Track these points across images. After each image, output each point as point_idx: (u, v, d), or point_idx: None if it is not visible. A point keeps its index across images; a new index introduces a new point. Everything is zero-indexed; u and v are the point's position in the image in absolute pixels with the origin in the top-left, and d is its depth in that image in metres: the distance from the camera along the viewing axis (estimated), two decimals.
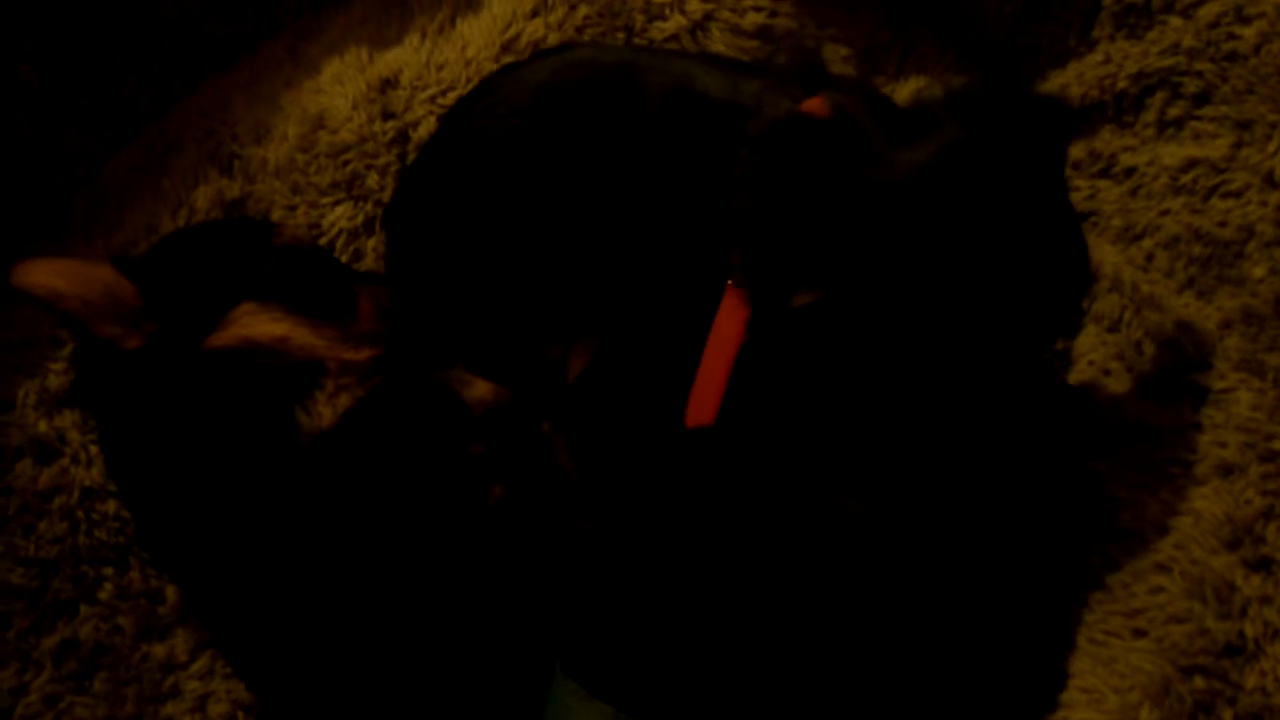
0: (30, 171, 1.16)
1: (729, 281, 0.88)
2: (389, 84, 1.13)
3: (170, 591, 1.00)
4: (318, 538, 0.85)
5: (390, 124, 1.11)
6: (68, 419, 1.04)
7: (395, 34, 1.17)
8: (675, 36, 1.19)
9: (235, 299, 0.91)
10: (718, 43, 1.19)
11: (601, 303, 0.92)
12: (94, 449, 1.02)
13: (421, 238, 0.99)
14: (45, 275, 0.87)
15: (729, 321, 0.87)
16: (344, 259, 1.08)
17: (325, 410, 0.90)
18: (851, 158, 0.83)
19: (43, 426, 1.03)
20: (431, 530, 0.85)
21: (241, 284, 0.92)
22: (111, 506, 1.01)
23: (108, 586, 1.00)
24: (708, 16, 1.19)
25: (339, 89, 1.13)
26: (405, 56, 1.15)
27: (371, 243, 1.11)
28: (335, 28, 1.19)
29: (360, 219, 1.10)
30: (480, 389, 0.91)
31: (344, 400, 0.91)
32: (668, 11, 1.19)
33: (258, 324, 0.90)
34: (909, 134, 0.86)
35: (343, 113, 1.11)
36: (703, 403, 0.87)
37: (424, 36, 1.16)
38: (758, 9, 1.21)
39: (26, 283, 0.86)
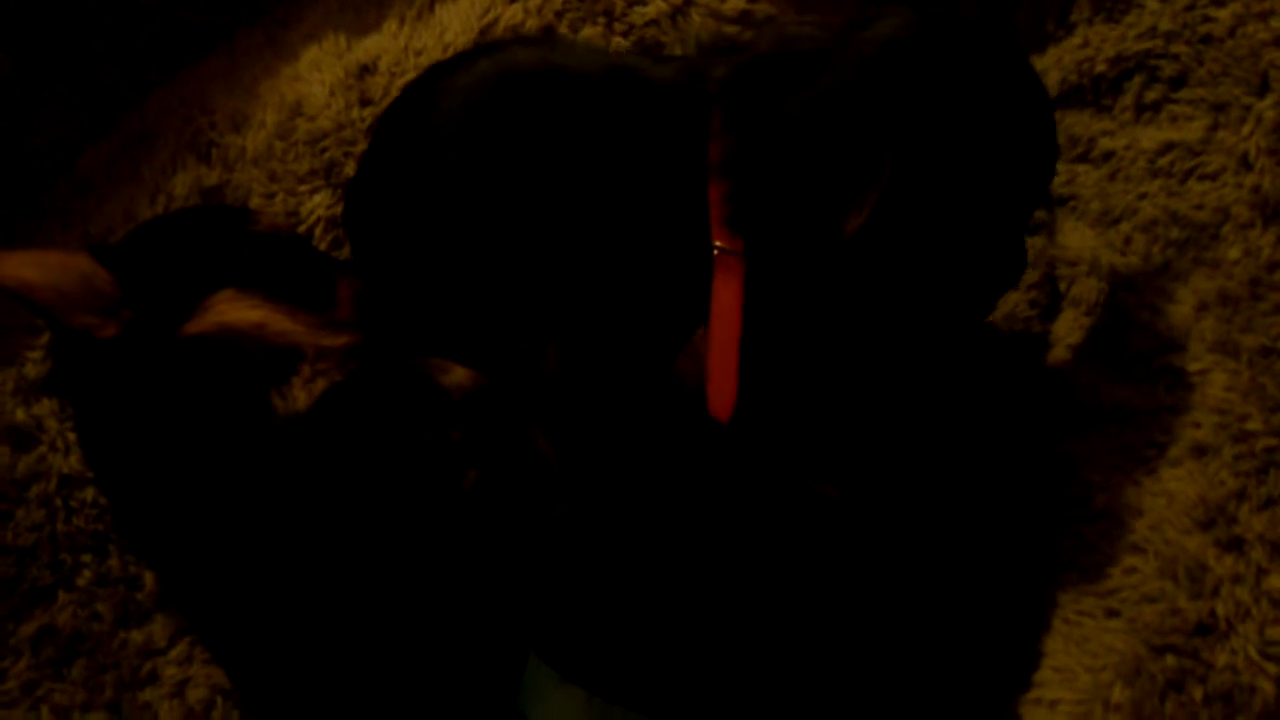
0: (8, 160, 1.15)
1: (716, 250, 0.86)
2: (367, 70, 1.12)
3: (149, 577, 1.00)
4: (292, 521, 0.85)
5: (368, 110, 1.10)
6: (45, 407, 1.03)
7: (374, 20, 1.17)
8: (655, 21, 1.18)
9: (213, 286, 0.91)
10: (698, 28, 1.19)
11: (570, 292, 0.91)
12: (72, 436, 1.02)
13: (379, 240, 0.98)
14: (17, 267, 0.87)
15: (726, 290, 0.86)
16: (323, 247, 1.08)
17: (301, 394, 0.90)
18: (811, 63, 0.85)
19: (20, 414, 1.02)
20: (407, 514, 0.85)
21: (219, 271, 0.92)
22: (90, 493, 1.00)
23: (86, 573, 1.00)
24: (688, 2, 1.19)
25: (316, 75, 1.12)
26: (383, 43, 1.14)
27: None
28: (314, 15, 1.19)
29: (339, 207, 1.08)
30: (457, 375, 0.91)
31: (320, 385, 0.91)
32: None
33: (235, 310, 0.90)
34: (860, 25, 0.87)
35: (320, 99, 1.11)
36: (720, 391, 0.85)
37: (402, 22, 1.16)
38: None
39: None
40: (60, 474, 1.01)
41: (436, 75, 1.00)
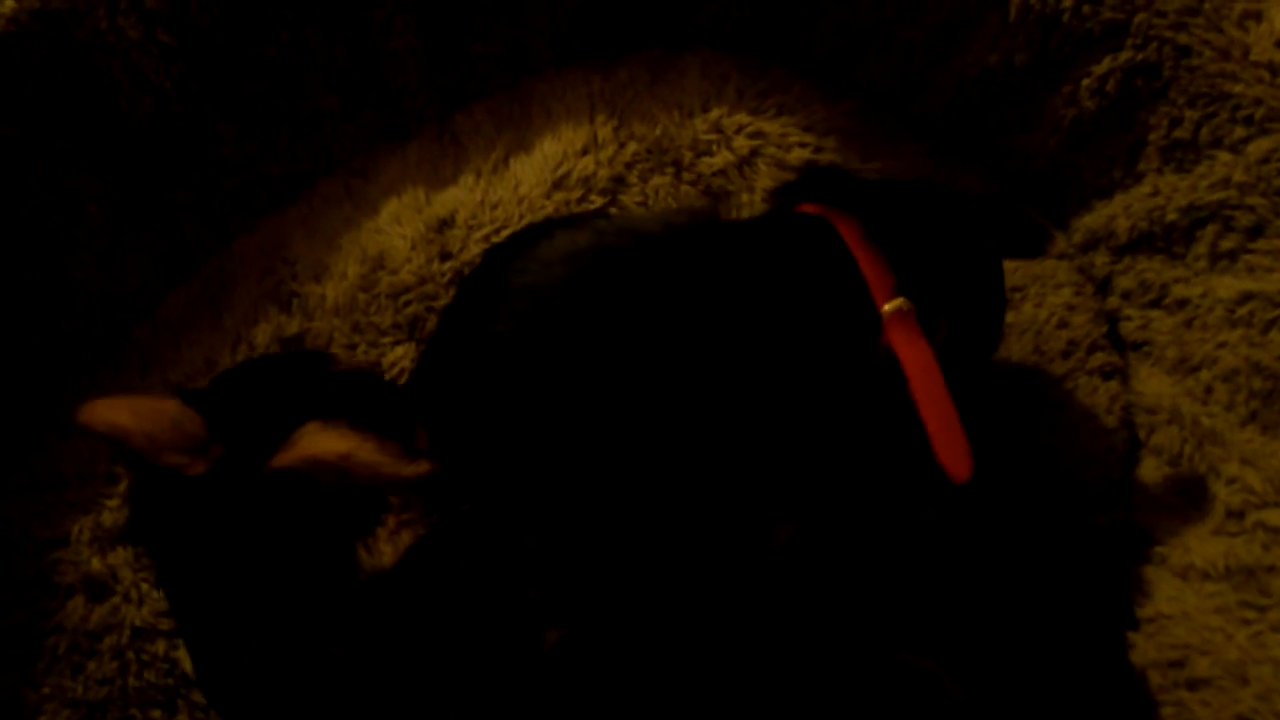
0: (92, 306, 1.18)
1: (886, 321, 0.87)
2: (445, 224, 1.15)
3: None
4: (372, 680, 0.84)
5: (448, 264, 1.12)
6: (120, 556, 1.03)
7: (450, 173, 1.20)
8: (723, 171, 1.21)
9: (299, 421, 0.91)
10: (765, 177, 1.21)
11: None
12: (145, 587, 1.01)
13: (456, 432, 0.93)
14: (110, 411, 0.87)
15: (912, 347, 0.86)
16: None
17: (386, 548, 0.89)
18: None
19: (96, 564, 1.02)
20: (488, 676, 0.83)
21: (305, 407, 0.92)
22: (161, 647, 1.00)
23: None
24: (754, 152, 1.22)
25: (397, 229, 1.15)
26: (460, 196, 1.17)
27: None
28: (391, 167, 1.22)
29: None
30: None
31: (405, 538, 0.90)
32: (715, 148, 1.22)
33: (322, 441, 0.90)
34: None
35: (402, 253, 1.13)
36: (953, 451, 0.84)
37: (478, 176, 1.19)
38: (803, 144, 1.23)
39: (91, 420, 0.87)
40: (133, 626, 1.00)
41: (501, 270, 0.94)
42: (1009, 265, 1.12)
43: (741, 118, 1.23)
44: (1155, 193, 1.10)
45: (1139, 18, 1.04)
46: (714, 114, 1.23)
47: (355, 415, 0.92)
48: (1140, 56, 1.05)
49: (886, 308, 0.88)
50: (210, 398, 0.93)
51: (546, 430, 0.87)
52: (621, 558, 0.88)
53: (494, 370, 0.88)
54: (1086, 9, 1.06)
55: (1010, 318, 1.16)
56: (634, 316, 0.88)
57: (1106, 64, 1.08)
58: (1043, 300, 1.17)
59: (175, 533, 0.92)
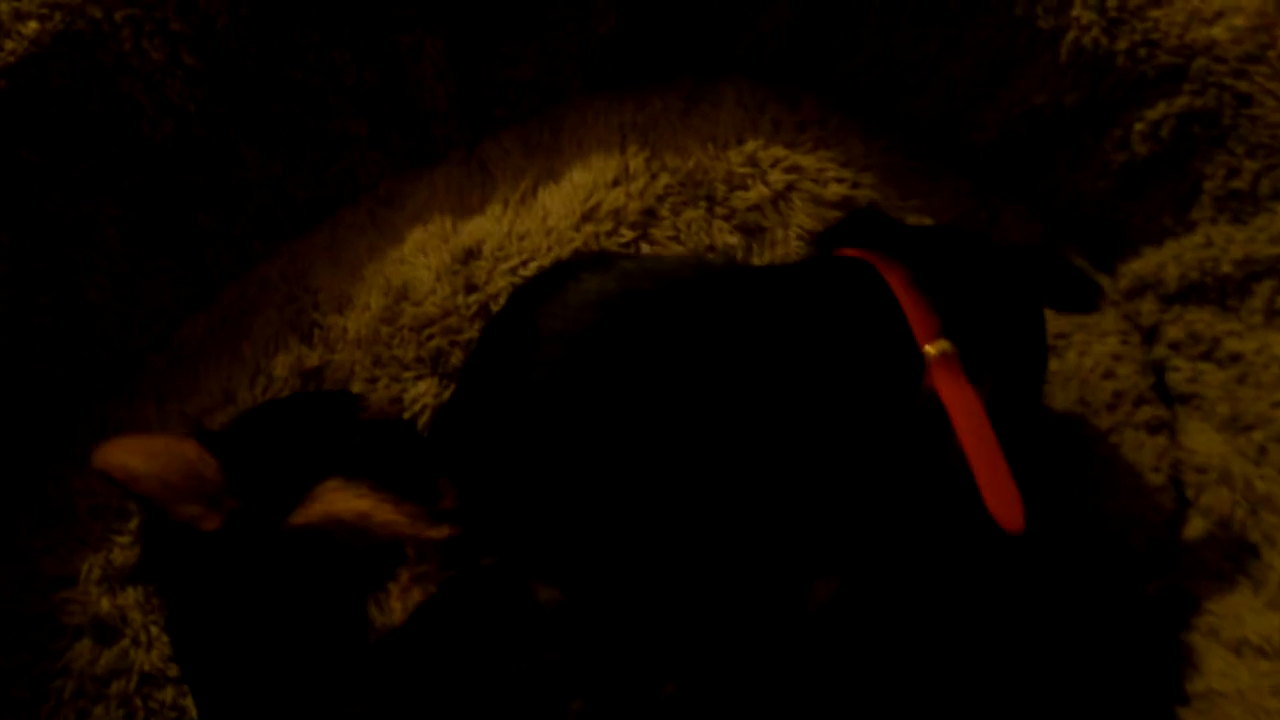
0: (108, 332, 1.15)
1: (930, 363, 0.85)
2: (471, 254, 1.11)
3: None
4: None
5: (473, 297, 1.09)
6: (130, 597, 1.00)
7: (477, 203, 1.17)
8: (758, 206, 1.18)
9: (321, 475, 0.88)
10: (800, 213, 1.18)
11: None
12: (155, 630, 0.98)
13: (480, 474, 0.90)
14: (123, 454, 0.84)
15: (955, 388, 0.84)
16: (426, 434, 1.05)
17: (397, 605, 0.86)
18: None
19: (105, 605, 0.99)
20: None
21: (328, 459, 0.89)
22: (170, 694, 0.97)
23: None
24: (790, 187, 1.18)
25: (422, 260, 1.12)
26: (487, 226, 1.14)
27: None
28: (418, 194, 1.19)
29: (445, 396, 1.06)
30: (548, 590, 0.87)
31: (416, 595, 0.87)
32: (749, 182, 1.18)
33: (342, 500, 0.87)
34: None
35: (426, 284, 1.10)
36: (1003, 499, 0.80)
37: (506, 205, 1.16)
38: (840, 180, 1.20)
39: (106, 464, 0.84)
40: (141, 671, 0.97)
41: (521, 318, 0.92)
42: (1052, 312, 1.09)
43: (777, 151, 1.20)
44: (1209, 243, 1.06)
45: (1198, 63, 1.00)
46: (749, 146, 1.20)
47: (380, 470, 0.89)
48: (1199, 103, 1.01)
49: (929, 349, 0.85)
50: (230, 440, 0.89)
51: (584, 479, 0.84)
52: (654, 614, 0.85)
53: (532, 420, 0.84)
54: (1142, 52, 1.02)
55: (1054, 365, 1.12)
56: (669, 365, 0.84)
57: (1161, 109, 1.04)
58: (1088, 348, 1.13)
59: (185, 582, 0.89)
